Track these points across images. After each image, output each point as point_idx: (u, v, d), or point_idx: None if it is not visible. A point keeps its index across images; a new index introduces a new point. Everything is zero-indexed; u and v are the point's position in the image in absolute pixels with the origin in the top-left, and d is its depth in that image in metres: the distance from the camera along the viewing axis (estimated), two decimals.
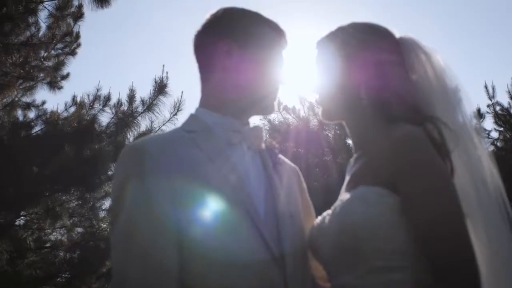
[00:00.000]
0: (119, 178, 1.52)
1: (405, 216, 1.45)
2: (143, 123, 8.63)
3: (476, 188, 1.57)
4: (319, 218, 1.69)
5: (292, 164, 1.91)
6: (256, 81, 1.69)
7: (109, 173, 8.69)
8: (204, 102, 1.74)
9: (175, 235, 1.43)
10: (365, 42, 1.69)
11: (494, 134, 9.68)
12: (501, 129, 9.68)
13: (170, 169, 1.48)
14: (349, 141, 8.92)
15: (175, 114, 8.67)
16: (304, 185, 1.91)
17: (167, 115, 8.65)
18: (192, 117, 1.73)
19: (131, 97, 8.68)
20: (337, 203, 1.60)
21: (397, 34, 1.80)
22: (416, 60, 1.69)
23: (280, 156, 1.81)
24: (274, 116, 9.96)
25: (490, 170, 1.63)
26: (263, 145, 1.75)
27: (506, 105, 9.89)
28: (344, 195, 1.59)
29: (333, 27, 1.80)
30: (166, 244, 1.42)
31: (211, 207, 1.49)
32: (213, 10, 1.77)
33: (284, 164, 1.83)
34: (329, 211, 1.63)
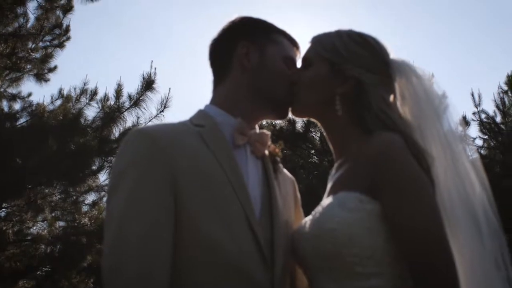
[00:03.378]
0: (124, 159, 1.52)
1: (384, 222, 1.47)
2: (130, 119, 8.61)
3: (459, 197, 1.57)
4: (300, 223, 1.70)
5: (289, 174, 1.92)
6: (271, 85, 1.72)
7: (93, 167, 8.71)
8: (216, 101, 1.77)
9: (171, 225, 1.44)
10: (354, 56, 1.70)
11: (479, 142, 9.78)
12: (486, 137, 9.73)
13: (175, 160, 1.50)
14: None
15: (162, 111, 8.63)
16: (299, 196, 1.93)
17: (154, 112, 8.62)
18: (200, 112, 1.75)
19: (118, 92, 8.64)
20: (318, 208, 1.60)
21: (392, 53, 1.79)
22: (407, 83, 1.69)
23: (280, 164, 1.82)
24: None
25: (474, 181, 1.63)
26: (266, 151, 1.77)
27: (491, 113, 9.94)
28: (324, 201, 1.59)
29: (331, 27, 1.82)
30: (162, 232, 1.43)
31: (210, 203, 1.50)
32: (230, 18, 1.84)
33: (283, 172, 1.85)
34: (310, 216, 1.64)
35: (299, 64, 1.83)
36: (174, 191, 1.47)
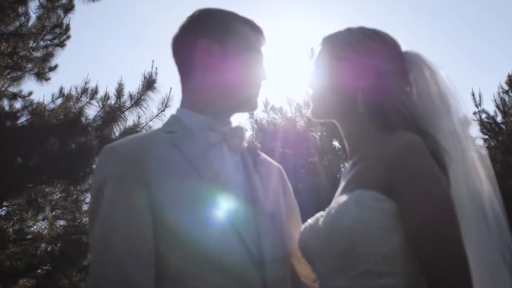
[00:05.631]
0: (97, 180, 1.52)
1: (399, 221, 1.46)
2: (130, 118, 8.65)
3: (470, 199, 1.58)
4: (312, 219, 1.67)
5: (275, 163, 1.89)
6: (237, 78, 1.68)
7: (94, 166, 8.35)
8: (185, 103, 1.74)
9: (151, 238, 1.44)
10: (370, 49, 1.68)
11: (479, 142, 9.60)
12: (486, 137, 9.74)
13: (147, 170, 1.49)
14: (336, 143, 8.95)
15: (163, 110, 8.67)
16: (288, 184, 1.89)
17: (155, 111, 8.66)
18: (172, 117, 1.73)
19: (119, 91, 8.66)
20: (332, 205, 1.59)
21: (403, 47, 1.79)
22: (419, 75, 1.68)
23: (262, 155, 1.80)
24: (262, 116, 9.95)
25: (482, 176, 1.65)
26: (244, 145, 1.75)
27: (492, 113, 9.98)
28: (340, 198, 1.58)
29: (329, 29, 1.80)
30: (142, 246, 1.43)
31: (189, 209, 1.49)
32: (189, 13, 1.77)
33: (266, 163, 1.82)
34: (322, 213, 1.62)
35: (265, 51, 1.79)
36: (151, 204, 1.46)
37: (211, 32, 1.69)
